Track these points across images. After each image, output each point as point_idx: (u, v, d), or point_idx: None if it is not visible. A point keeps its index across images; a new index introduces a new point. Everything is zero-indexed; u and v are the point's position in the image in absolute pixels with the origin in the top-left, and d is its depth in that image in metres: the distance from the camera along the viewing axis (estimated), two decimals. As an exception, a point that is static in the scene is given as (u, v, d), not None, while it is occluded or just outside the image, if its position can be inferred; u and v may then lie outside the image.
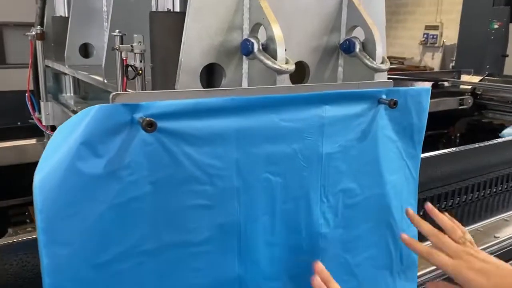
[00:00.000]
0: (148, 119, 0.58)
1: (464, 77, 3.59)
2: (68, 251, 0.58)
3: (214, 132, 0.68)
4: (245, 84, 0.98)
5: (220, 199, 0.71)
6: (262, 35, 0.92)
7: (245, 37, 0.92)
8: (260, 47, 0.89)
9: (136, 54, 0.95)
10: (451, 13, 8.30)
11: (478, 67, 3.95)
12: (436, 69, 8.42)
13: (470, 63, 4.13)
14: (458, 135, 3.30)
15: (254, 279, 0.78)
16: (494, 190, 1.64)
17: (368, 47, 1.02)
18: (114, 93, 0.60)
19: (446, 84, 3.36)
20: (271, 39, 0.89)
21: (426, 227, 0.84)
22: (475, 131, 3.21)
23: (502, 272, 0.73)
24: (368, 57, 1.01)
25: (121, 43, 1.01)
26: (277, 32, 0.88)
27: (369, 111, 0.86)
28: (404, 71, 6.21)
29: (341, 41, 1.06)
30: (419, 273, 1.13)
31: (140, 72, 0.95)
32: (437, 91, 3.19)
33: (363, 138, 0.86)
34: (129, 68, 0.94)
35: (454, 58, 5.72)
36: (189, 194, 0.68)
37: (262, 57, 0.87)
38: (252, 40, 0.89)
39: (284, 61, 0.87)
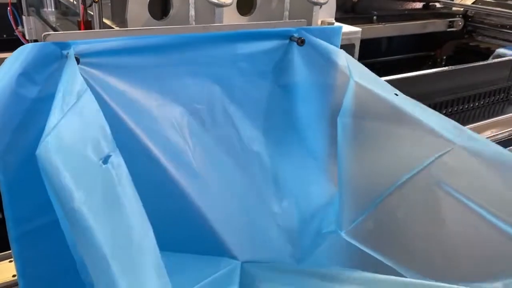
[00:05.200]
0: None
1: (458, -1, 3.52)
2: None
3: (135, 67, 0.80)
4: (192, 13, 1.06)
5: (139, 137, 0.81)
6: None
7: (186, -34, 0.99)
8: (200, -21, 0.96)
9: (92, -20, 1.02)
10: None
11: (477, -14, 3.82)
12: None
13: (469, -18, 3.99)
14: (445, 57, 3.34)
15: None
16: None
17: (310, -22, 1.08)
18: (45, 33, 0.72)
19: (437, 5, 3.31)
20: (210, -29, 0.96)
21: None
22: (462, 53, 3.23)
23: None
24: (307, -11, 1.08)
25: (81, -34, 1.07)
26: (215, -37, 0.95)
27: (281, 48, 0.96)
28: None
29: (286, -28, 1.12)
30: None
31: (96, -1, 1.02)
32: (426, 13, 3.16)
33: (276, 73, 0.97)
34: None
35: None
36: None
37: (200, -10, 0.96)
38: (192, -29, 0.97)
39: (222, -6, 0.96)
